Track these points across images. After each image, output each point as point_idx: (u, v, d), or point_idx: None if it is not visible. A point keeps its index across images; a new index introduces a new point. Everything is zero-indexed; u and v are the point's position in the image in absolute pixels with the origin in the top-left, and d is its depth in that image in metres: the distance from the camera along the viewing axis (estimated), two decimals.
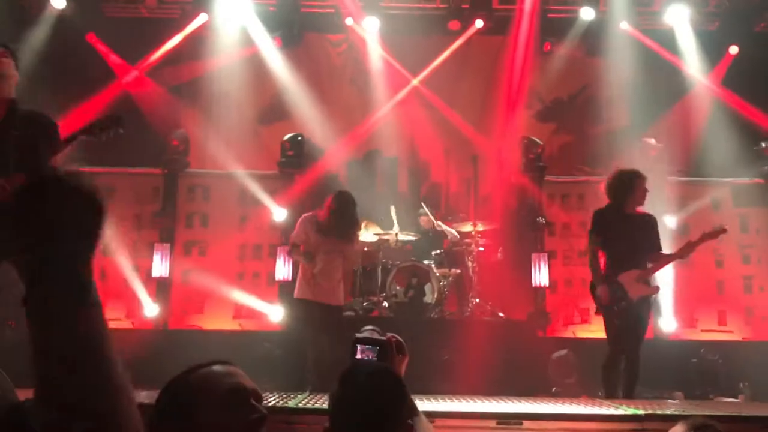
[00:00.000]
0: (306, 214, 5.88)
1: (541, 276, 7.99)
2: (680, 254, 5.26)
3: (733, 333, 8.01)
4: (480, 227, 7.41)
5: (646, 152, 8.44)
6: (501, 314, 7.34)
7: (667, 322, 7.84)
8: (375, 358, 2.02)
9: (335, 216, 5.61)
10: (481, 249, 7.48)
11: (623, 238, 5.12)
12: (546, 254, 8.11)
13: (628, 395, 5.01)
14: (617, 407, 3.89)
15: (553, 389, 6.50)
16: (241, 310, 8.12)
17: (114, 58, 8.99)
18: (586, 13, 8.97)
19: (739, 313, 8.08)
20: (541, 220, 8.16)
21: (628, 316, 5.07)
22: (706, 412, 3.54)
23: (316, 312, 5.63)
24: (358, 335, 2.08)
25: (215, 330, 7.82)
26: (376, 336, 2.08)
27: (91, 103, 8.17)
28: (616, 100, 9.17)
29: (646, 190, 5.24)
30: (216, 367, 1.47)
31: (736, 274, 8.10)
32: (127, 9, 9.31)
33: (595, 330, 7.11)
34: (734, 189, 8.26)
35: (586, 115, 9.38)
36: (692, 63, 9.01)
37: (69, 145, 3.52)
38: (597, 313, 5.39)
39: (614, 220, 5.19)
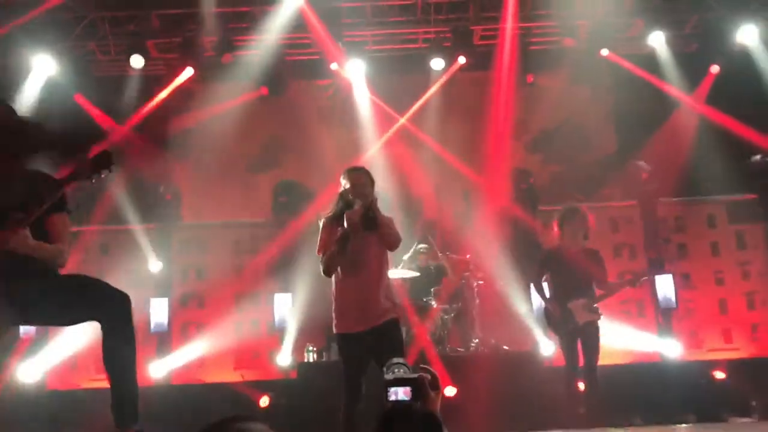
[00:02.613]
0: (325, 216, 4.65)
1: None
2: (611, 293, 6.02)
3: (740, 350, 7.94)
4: (476, 260, 7.39)
5: (637, 176, 8.48)
6: (505, 347, 7.26)
7: (672, 344, 7.76)
8: (410, 399, 1.93)
9: (352, 195, 4.38)
10: (481, 282, 7.44)
11: (571, 271, 5.88)
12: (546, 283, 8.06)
13: (592, 417, 5.49)
14: None
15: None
16: (242, 360, 8.02)
17: (102, 116, 9.04)
18: (567, 43, 9.09)
19: (745, 330, 8.03)
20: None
21: (577, 339, 5.81)
22: None
23: (353, 347, 4.31)
24: (387, 377, 1.99)
25: (217, 382, 7.70)
26: (407, 374, 2.00)
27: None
28: (602, 127, 9.26)
29: (587, 226, 5.96)
30: (256, 426, 1.46)
31: (737, 291, 8.07)
32: (114, 67, 9.40)
33: (603, 356, 7.03)
34: (728, 206, 8.28)
35: (573, 144, 9.45)
36: (675, 85, 9.11)
37: (62, 192, 3.37)
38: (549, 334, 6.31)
39: (563, 255, 5.96)
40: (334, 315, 4.46)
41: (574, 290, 5.89)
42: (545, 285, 6.19)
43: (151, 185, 8.61)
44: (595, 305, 5.90)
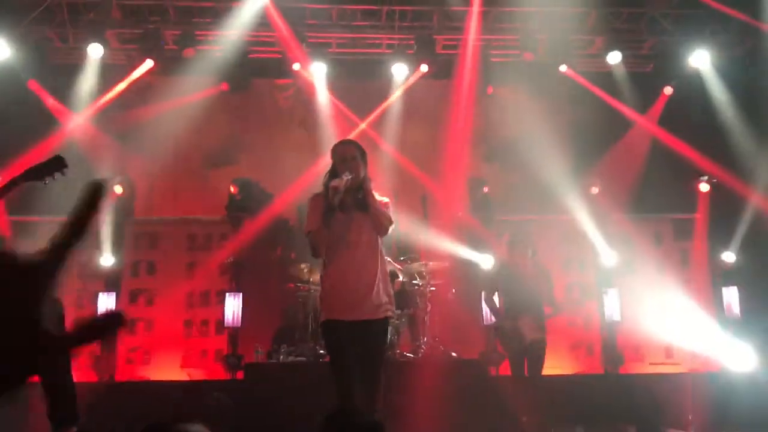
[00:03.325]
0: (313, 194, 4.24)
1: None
2: (558, 312, 6.27)
3: (680, 365, 8.17)
4: (431, 266, 7.44)
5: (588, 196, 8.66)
6: (454, 354, 7.34)
7: (615, 356, 7.95)
8: None
9: (340, 170, 3.98)
10: (433, 288, 7.50)
11: (521, 289, 6.05)
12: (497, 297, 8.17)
13: (534, 425, 5.70)
14: None
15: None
16: (189, 359, 7.93)
17: (56, 105, 8.85)
18: (526, 57, 9.24)
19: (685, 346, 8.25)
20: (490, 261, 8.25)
21: (524, 354, 6.01)
22: None
23: (343, 335, 3.92)
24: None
25: (162, 381, 7.60)
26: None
27: (34, 151, 7.98)
28: (558, 141, 9.43)
29: (533, 249, 6.20)
30: (196, 428, 1.38)
31: (679, 308, 8.29)
32: (71, 56, 9.21)
33: (547, 367, 7.17)
34: (675, 224, 8.51)
35: (530, 156, 9.59)
36: (630, 104, 9.35)
37: (10, 191, 3.41)
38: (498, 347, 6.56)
39: (513, 273, 6.14)
40: (320, 299, 4.17)
41: (524, 306, 6.03)
42: (496, 300, 6.31)
43: (105, 178, 8.45)
44: (542, 323, 6.03)
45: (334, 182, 3.91)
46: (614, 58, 9.27)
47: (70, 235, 0.69)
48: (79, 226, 0.70)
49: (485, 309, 7.91)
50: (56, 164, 3.50)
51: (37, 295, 0.65)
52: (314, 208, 4.05)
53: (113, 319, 0.68)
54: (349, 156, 4.04)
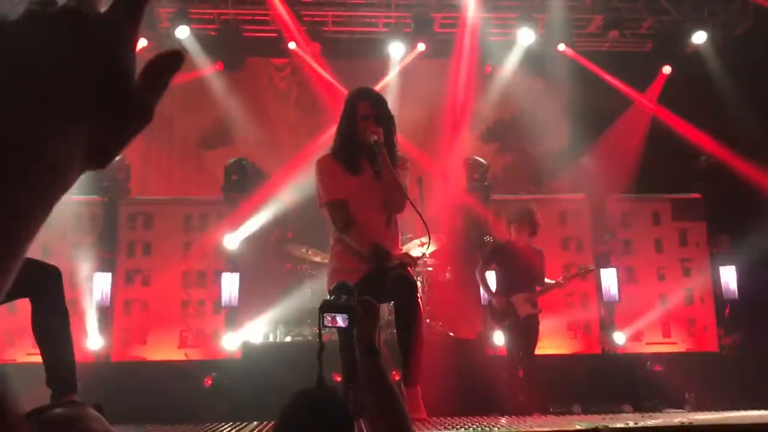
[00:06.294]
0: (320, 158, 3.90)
1: None
2: (558, 285, 6.41)
3: (677, 344, 8.18)
4: (427, 247, 7.40)
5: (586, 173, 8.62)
6: (451, 334, 7.33)
7: (615, 336, 7.96)
8: (345, 326, 1.91)
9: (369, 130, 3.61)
10: (430, 269, 7.47)
11: (516, 267, 6.21)
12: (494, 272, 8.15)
13: (531, 404, 5.73)
14: (572, 423, 3.90)
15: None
16: (186, 339, 7.90)
17: None
18: (525, 36, 9.17)
19: (682, 325, 8.27)
20: (488, 238, 8.21)
21: (518, 330, 6.15)
22: (659, 423, 3.57)
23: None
24: (325, 300, 1.96)
25: (160, 361, 7.57)
26: (343, 300, 1.96)
27: None
28: (556, 120, 9.38)
29: (536, 224, 6.27)
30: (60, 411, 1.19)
31: (677, 287, 8.29)
32: None
33: (545, 347, 7.17)
34: (674, 204, 8.48)
35: (528, 135, 9.56)
36: (628, 83, 9.30)
37: None
38: (492, 324, 6.61)
39: (510, 251, 6.32)
40: (331, 269, 3.75)
41: (518, 284, 6.23)
42: (491, 277, 6.50)
43: None
44: (535, 299, 6.27)
45: (376, 129, 3.62)
46: (613, 36, 9.22)
47: None
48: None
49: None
50: None
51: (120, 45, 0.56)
52: (333, 174, 3.68)
53: (173, 55, 0.60)
54: (382, 115, 3.80)
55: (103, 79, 0.53)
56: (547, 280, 6.44)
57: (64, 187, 0.52)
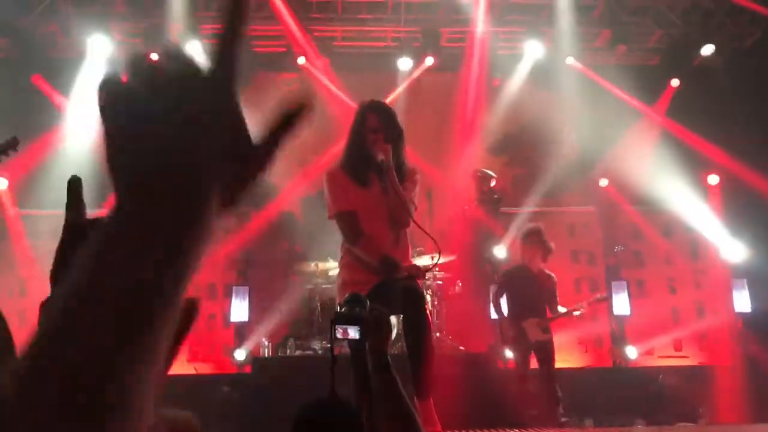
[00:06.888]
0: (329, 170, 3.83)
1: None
2: (570, 314, 6.42)
3: (689, 358, 8.12)
4: (437, 261, 7.38)
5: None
6: (462, 348, 7.29)
7: (628, 350, 7.90)
8: (357, 337, 1.91)
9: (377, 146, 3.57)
10: (440, 282, 7.45)
11: (529, 292, 6.25)
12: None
13: (544, 418, 5.72)
14: None
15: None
16: (196, 353, 7.89)
17: (60, 99, 8.82)
18: (533, 50, 9.19)
19: (694, 339, 8.21)
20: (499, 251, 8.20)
21: (528, 354, 6.21)
22: None
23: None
24: (337, 312, 1.96)
25: (169, 374, 7.53)
26: (356, 312, 1.96)
27: (36, 145, 7.95)
28: (565, 134, 9.37)
29: (549, 249, 6.28)
30: None
31: (689, 300, 8.24)
32: (74, 49, 9.16)
33: (556, 361, 7.12)
34: (683, 216, 8.44)
35: (536, 148, 9.54)
36: (637, 96, 9.30)
37: None
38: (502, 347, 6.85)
39: (523, 275, 6.33)
40: (341, 281, 3.71)
41: (529, 310, 6.26)
42: (504, 301, 6.53)
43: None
44: (546, 325, 6.28)
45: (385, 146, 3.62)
46: (620, 50, 9.23)
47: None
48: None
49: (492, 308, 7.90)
50: (9, 143, 3.82)
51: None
52: (343, 186, 3.68)
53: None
54: (391, 127, 3.78)
55: (232, 137, 0.53)
56: (559, 308, 6.44)
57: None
